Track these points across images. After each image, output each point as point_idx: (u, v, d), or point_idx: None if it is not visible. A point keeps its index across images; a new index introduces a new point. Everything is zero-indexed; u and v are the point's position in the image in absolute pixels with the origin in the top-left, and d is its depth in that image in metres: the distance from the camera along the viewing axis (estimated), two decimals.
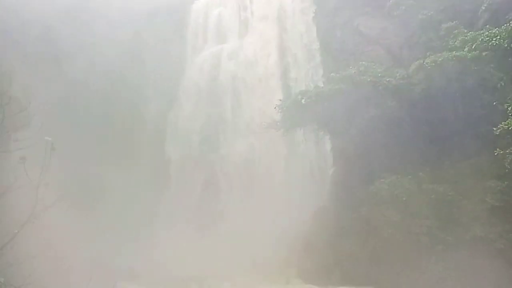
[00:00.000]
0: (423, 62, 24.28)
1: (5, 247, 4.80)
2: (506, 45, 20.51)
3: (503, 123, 18.54)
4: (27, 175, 4.63)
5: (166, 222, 28.02)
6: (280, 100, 28.66)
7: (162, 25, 35.10)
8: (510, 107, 18.71)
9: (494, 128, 18.84)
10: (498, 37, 20.70)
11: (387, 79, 24.80)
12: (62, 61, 30.83)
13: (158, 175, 31.44)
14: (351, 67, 26.63)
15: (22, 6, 29.07)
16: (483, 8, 25.06)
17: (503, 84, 20.86)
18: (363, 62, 26.47)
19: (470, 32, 24.10)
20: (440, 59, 23.55)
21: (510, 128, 18.24)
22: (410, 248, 19.99)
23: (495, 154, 18.91)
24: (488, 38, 21.21)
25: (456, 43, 24.28)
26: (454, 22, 25.58)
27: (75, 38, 31.54)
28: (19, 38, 28.11)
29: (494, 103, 20.29)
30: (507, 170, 18.93)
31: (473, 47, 23.02)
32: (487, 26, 22.94)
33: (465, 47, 23.47)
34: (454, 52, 23.52)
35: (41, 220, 4.63)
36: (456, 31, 25.06)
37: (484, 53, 21.97)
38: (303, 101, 27.00)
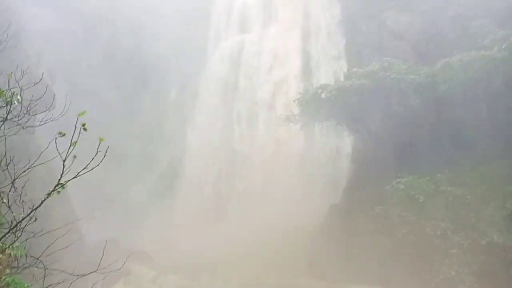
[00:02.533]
0: (449, 60, 23.59)
1: (28, 218, 5.16)
2: None
3: None
4: (57, 150, 4.92)
5: (182, 212, 28.64)
6: (300, 93, 28.46)
7: (187, 12, 35.18)
8: None
9: None
10: None
11: (411, 77, 24.25)
12: (89, 41, 31.42)
13: (176, 161, 32.02)
14: (374, 63, 26.13)
15: None
16: None
17: None
18: (387, 58, 25.91)
19: (501, 31, 23.24)
20: (467, 58, 22.84)
21: None
22: (424, 249, 19.77)
23: None
24: None
25: (485, 42, 23.46)
26: (485, 20, 24.64)
27: (102, 20, 32.04)
28: (48, 18, 28.72)
29: None
30: None
31: (503, 47, 22.24)
32: None
33: (494, 47, 22.69)
34: (482, 51, 22.76)
35: (65, 191, 4.91)
36: (486, 29, 24.18)
37: None
38: (323, 95, 26.72)
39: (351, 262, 21.61)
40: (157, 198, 29.31)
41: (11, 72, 6.16)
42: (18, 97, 5.58)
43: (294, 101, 27.83)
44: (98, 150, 4.67)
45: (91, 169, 4.66)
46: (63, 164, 4.62)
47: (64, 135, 4.74)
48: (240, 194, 29.29)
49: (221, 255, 22.51)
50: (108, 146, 4.72)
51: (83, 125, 4.56)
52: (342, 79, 28.86)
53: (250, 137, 31.59)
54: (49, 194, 4.78)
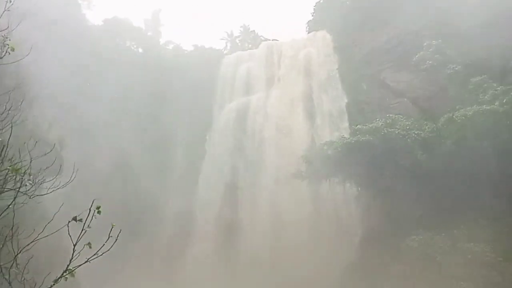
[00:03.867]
0: (453, 115, 23.98)
1: None
2: None
3: None
4: (68, 232, 4.64)
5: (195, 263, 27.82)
6: (306, 150, 28.61)
7: (194, 76, 36.72)
8: None
9: None
10: None
11: (416, 132, 24.53)
12: (97, 110, 32.20)
13: (184, 224, 31.50)
14: (377, 119, 26.55)
15: (63, 54, 31.00)
16: None
17: None
18: (391, 115, 26.41)
19: (500, 86, 23.87)
20: (470, 113, 23.23)
21: None
22: None
23: None
24: None
25: (486, 97, 24.00)
26: (483, 76, 25.41)
27: (106, 88, 33.21)
28: (58, 87, 29.80)
29: None
30: None
31: (504, 101, 22.72)
32: None
33: (495, 102, 23.16)
34: (484, 106, 23.21)
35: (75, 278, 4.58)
36: (486, 85, 24.83)
37: None
38: (329, 152, 26.87)
39: None
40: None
41: (24, 142, 6.12)
42: (29, 172, 5.37)
43: (300, 158, 27.91)
44: (110, 235, 4.51)
45: (101, 255, 4.53)
46: (73, 249, 4.43)
47: (80, 220, 4.51)
48: (249, 252, 28.33)
49: None
50: (121, 230, 4.61)
51: (98, 208, 4.44)
52: (346, 135, 29.18)
53: (255, 197, 31.28)
54: (56, 281, 4.56)
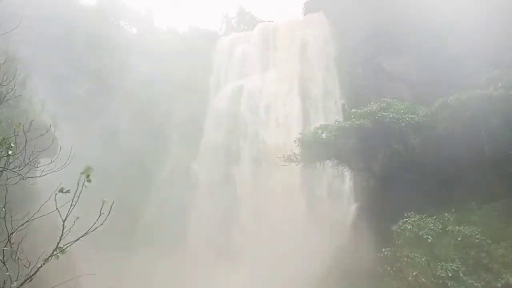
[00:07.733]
0: (447, 99, 23.98)
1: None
2: None
3: None
4: (56, 206, 4.51)
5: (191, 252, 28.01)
6: (300, 133, 28.60)
7: (188, 60, 36.27)
8: None
9: None
10: None
11: (410, 116, 24.52)
12: (95, 94, 31.92)
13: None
14: (372, 103, 26.50)
15: (53, 40, 30.50)
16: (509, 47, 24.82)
17: None
18: (385, 98, 26.34)
19: (495, 71, 23.82)
20: (464, 97, 23.22)
21: None
22: None
23: None
24: None
25: (481, 81, 23.97)
26: (479, 60, 25.36)
27: (107, 72, 32.79)
28: (49, 63, 29.33)
29: None
30: None
31: (499, 85, 22.70)
32: None
33: (490, 86, 23.16)
34: (479, 90, 23.19)
35: (66, 255, 4.50)
36: (481, 69, 24.79)
37: (511, 92, 21.57)
38: (323, 135, 26.86)
39: None
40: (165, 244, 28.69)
41: (20, 124, 5.93)
42: (12, 144, 5.21)
43: (295, 141, 27.91)
44: (101, 212, 4.40)
45: (94, 230, 4.40)
46: (63, 225, 4.33)
47: (68, 191, 4.39)
48: (241, 233, 28.63)
49: None
50: (114, 201, 4.48)
51: (87, 176, 4.26)
52: (341, 119, 29.16)
53: (251, 177, 31.40)
54: (46, 260, 4.48)
